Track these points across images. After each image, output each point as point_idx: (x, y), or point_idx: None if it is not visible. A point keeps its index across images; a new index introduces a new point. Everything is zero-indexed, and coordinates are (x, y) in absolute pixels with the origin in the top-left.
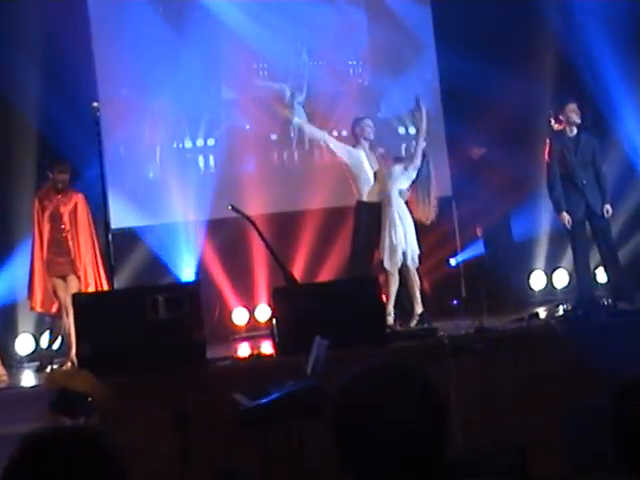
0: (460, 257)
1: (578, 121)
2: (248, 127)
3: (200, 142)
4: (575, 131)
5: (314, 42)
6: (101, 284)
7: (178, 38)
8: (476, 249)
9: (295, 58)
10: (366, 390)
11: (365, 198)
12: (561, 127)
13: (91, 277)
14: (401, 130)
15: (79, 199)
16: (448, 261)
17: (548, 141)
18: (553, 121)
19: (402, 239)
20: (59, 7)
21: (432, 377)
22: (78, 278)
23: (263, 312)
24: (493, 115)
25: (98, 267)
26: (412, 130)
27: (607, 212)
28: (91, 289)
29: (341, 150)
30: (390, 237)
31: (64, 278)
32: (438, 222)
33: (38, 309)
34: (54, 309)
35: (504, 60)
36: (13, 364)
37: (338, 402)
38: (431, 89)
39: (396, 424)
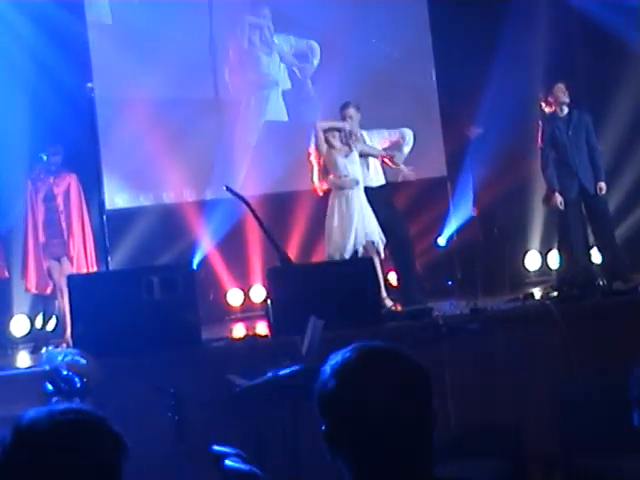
0: (446, 234)
1: (567, 100)
2: (243, 107)
3: (195, 123)
4: (566, 110)
5: None
6: (91, 265)
7: (172, 12)
8: (459, 220)
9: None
10: (348, 372)
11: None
12: (552, 109)
13: (82, 258)
14: None
15: (72, 180)
16: (436, 242)
17: (540, 124)
18: (544, 104)
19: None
20: None
21: (416, 357)
22: (70, 259)
23: (258, 292)
24: (490, 94)
25: (86, 248)
26: None
27: (600, 190)
28: (82, 271)
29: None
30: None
31: (58, 259)
32: (433, 203)
33: (33, 290)
34: (49, 290)
35: (501, 37)
36: (8, 345)
37: (321, 384)
38: (426, 70)
39: (380, 406)
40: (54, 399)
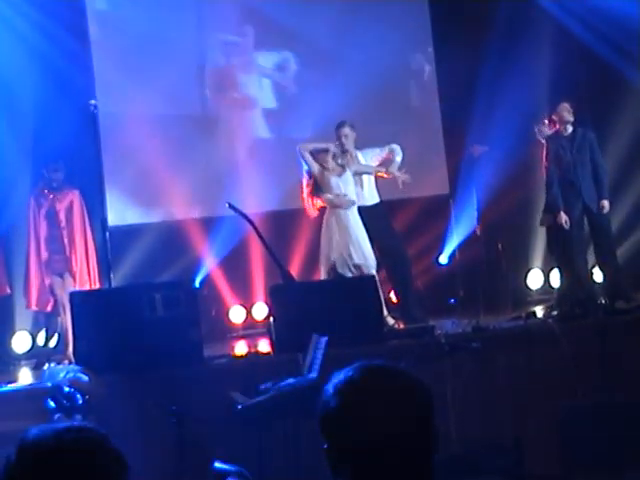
0: (447, 252)
1: (571, 119)
2: (239, 125)
3: (197, 140)
4: (570, 129)
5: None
6: (93, 282)
7: (170, 32)
8: (461, 238)
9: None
10: (350, 391)
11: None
12: (556, 128)
13: (84, 274)
14: None
15: (75, 196)
16: (438, 261)
17: (545, 143)
18: (547, 122)
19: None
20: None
21: (418, 374)
22: (73, 276)
23: (260, 310)
24: (493, 112)
25: (89, 264)
26: None
27: (602, 208)
28: (84, 287)
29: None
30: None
31: (61, 276)
32: (435, 220)
33: (34, 307)
34: (49, 307)
35: (504, 56)
36: (10, 361)
37: (323, 403)
38: (429, 87)
39: (380, 423)
40: (56, 416)
